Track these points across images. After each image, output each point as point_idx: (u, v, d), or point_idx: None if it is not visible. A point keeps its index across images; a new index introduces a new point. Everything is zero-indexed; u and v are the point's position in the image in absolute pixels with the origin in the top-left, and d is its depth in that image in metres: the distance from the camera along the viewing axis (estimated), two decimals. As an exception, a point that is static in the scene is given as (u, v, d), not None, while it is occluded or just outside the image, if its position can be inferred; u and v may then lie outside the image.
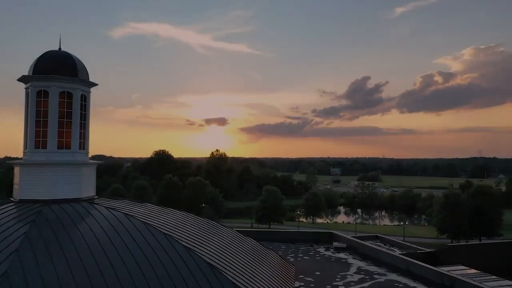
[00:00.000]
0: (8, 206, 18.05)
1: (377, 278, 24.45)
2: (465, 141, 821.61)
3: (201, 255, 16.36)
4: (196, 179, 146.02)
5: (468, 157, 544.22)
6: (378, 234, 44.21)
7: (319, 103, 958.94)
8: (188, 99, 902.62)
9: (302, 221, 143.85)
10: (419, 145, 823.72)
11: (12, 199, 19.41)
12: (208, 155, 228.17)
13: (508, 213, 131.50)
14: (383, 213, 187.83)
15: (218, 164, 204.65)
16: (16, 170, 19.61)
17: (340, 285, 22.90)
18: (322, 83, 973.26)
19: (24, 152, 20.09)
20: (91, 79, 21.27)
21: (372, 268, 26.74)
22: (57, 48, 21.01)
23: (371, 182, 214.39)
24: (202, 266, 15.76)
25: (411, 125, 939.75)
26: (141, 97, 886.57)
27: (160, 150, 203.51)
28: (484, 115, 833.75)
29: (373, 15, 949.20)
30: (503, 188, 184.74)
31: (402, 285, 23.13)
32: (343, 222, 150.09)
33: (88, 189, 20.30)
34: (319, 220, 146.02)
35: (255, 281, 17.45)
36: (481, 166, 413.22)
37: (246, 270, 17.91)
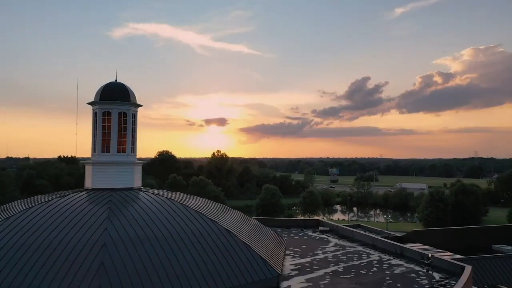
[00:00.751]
0: (85, 192, 26.09)
1: (347, 249, 32.55)
2: (463, 141, 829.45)
3: (222, 224, 24.49)
4: (199, 179, 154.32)
5: (466, 157, 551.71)
6: (360, 224, 52.19)
7: (319, 103, 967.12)
8: (188, 100, 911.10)
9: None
10: (418, 145, 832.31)
11: (84, 188, 27.48)
12: (208, 155, 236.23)
13: (494, 210, 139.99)
14: (378, 211, 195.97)
15: (219, 164, 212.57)
16: (88, 167, 27.72)
17: (319, 253, 30.98)
18: (322, 84, 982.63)
19: (93, 155, 28.16)
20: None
21: (346, 244, 34.82)
22: (114, 79, 29.13)
23: (366, 182, 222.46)
24: (223, 231, 23.88)
25: (411, 125, 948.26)
26: (140, 97, 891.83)
27: (163, 150, 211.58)
28: (483, 115, 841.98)
29: (373, 15, 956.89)
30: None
31: (365, 253, 31.23)
32: (338, 219, 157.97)
33: (137, 181, 28.42)
34: (315, 218, 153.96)
35: (258, 243, 25.53)
36: (476, 166, 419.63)
37: (251, 236, 26.05)
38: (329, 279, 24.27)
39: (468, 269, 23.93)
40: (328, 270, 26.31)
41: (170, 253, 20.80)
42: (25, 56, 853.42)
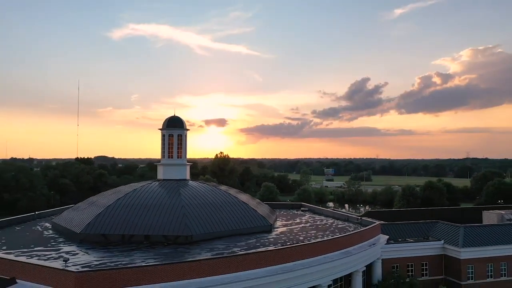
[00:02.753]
0: (159, 182, 45.32)
1: (316, 218, 51.87)
2: (461, 142, 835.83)
3: (240, 199, 43.85)
4: (205, 178, 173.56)
5: (462, 158, 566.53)
6: (334, 209, 71.16)
7: (319, 104, 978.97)
8: (187, 100, 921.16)
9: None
10: (417, 146, 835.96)
11: (158, 179, 46.78)
12: (208, 155, 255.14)
13: (466, 205, 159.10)
14: (367, 207, 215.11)
15: (222, 165, 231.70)
16: (160, 167, 47.16)
17: (297, 219, 50.28)
18: (322, 84, 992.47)
19: (162, 159, 47.44)
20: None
21: (316, 216, 54.11)
22: (173, 114, 48.44)
23: (357, 181, 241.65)
24: (241, 202, 43.21)
25: (410, 126, 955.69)
26: (140, 98, 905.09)
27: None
28: (482, 116, 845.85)
29: (372, 16, 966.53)
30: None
31: (325, 219, 50.52)
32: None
33: (187, 174, 47.76)
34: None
35: (260, 209, 44.80)
36: (466, 167, 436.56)
37: (257, 206, 45.43)
38: (299, 228, 43.67)
39: (376, 223, 43.25)
40: (300, 225, 45.70)
41: (215, 210, 40.12)
42: (25, 57, 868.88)
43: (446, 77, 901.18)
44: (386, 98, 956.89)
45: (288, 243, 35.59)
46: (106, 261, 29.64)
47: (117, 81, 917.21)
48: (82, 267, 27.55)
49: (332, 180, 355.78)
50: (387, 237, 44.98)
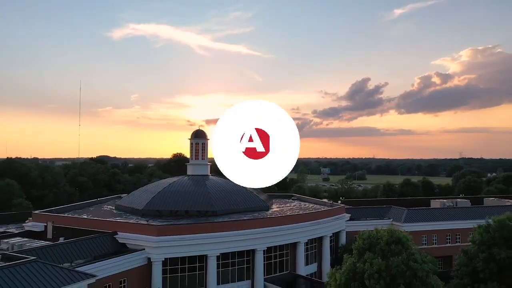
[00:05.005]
0: (189, 177, 64.35)
1: (301, 203, 70.97)
2: (460, 141, 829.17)
3: (246, 187, 62.89)
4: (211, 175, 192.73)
5: (457, 157, 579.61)
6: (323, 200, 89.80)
7: (319, 104, 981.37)
8: (187, 100, 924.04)
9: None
10: (417, 145, 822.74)
11: (187, 174, 65.85)
12: (208, 155, 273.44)
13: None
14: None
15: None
16: (189, 165, 66.32)
17: (287, 204, 69.39)
18: (323, 84, 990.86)
19: (191, 160, 66.48)
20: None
21: (302, 202, 73.19)
22: (198, 128, 67.57)
23: (349, 179, 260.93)
24: (247, 190, 62.30)
25: (409, 126, 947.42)
26: (140, 97, 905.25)
27: (177, 153, 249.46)
28: (481, 116, 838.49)
29: (372, 16, 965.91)
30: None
31: (308, 204, 69.56)
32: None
33: (208, 171, 66.81)
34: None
35: (260, 196, 63.81)
36: (459, 166, 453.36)
37: (258, 193, 64.48)
38: (289, 208, 62.72)
39: (340, 205, 62.30)
40: (289, 207, 64.82)
41: (230, 195, 59.11)
42: (25, 57, 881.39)
43: (446, 77, 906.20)
44: (386, 98, 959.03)
45: (279, 215, 54.71)
46: (166, 223, 48.67)
47: (117, 81, 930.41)
48: (155, 225, 46.60)
49: (328, 179, 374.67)
50: (349, 215, 63.96)
